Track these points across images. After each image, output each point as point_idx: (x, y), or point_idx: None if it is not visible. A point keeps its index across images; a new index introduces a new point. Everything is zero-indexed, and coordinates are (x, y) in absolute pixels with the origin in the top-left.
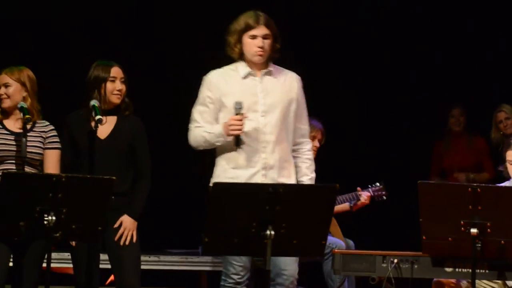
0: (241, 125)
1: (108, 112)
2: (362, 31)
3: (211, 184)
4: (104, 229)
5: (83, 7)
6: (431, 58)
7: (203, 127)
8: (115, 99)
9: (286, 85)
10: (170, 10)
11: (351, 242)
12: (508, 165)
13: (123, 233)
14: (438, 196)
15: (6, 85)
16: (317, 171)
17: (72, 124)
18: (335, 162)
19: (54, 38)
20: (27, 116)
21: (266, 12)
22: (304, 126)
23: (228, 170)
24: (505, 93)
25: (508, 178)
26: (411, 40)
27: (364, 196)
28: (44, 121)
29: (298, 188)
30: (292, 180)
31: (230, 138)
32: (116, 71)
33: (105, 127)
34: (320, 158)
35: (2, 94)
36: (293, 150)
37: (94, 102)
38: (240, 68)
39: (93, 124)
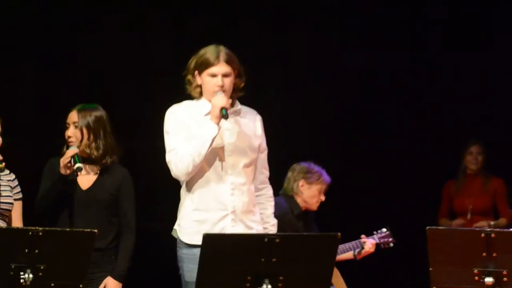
0: (226, 99)
1: (92, 160)
2: (368, 74)
3: (175, 227)
4: (85, 287)
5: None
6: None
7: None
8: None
9: (251, 125)
10: None
11: None
12: None
13: None
14: (448, 243)
15: None
16: (316, 217)
17: (54, 170)
18: (336, 207)
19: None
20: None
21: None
22: (266, 170)
23: (194, 212)
24: None
25: None
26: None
27: (369, 244)
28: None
29: (296, 237)
30: (261, 226)
31: (217, 131)
32: (70, 116)
33: (88, 177)
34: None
35: None
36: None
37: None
38: (202, 104)
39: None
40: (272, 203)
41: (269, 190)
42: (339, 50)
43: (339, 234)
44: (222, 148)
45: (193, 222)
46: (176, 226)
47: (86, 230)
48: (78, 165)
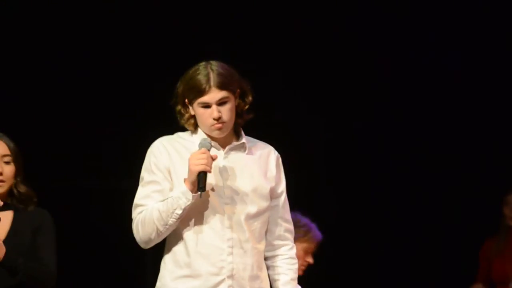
0: (206, 159)
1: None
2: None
3: None
4: None
5: None
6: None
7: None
8: None
9: (261, 163)
10: None
11: None
12: None
13: None
14: None
15: None
16: (301, 282)
17: None
18: (325, 270)
19: None
20: None
21: None
22: (285, 222)
23: (178, 280)
24: None
25: None
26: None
27: None
28: None
29: None
30: None
31: (192, 199)
32: None
33: (1, 225)
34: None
35: None
36: (267, 257)
37: None
38: (197, 137)
39: None
40: (294, 267)
41: (289, 250)
42: None
43: None
44: (218, 193)
45: None
46: None
47: None
48: None
